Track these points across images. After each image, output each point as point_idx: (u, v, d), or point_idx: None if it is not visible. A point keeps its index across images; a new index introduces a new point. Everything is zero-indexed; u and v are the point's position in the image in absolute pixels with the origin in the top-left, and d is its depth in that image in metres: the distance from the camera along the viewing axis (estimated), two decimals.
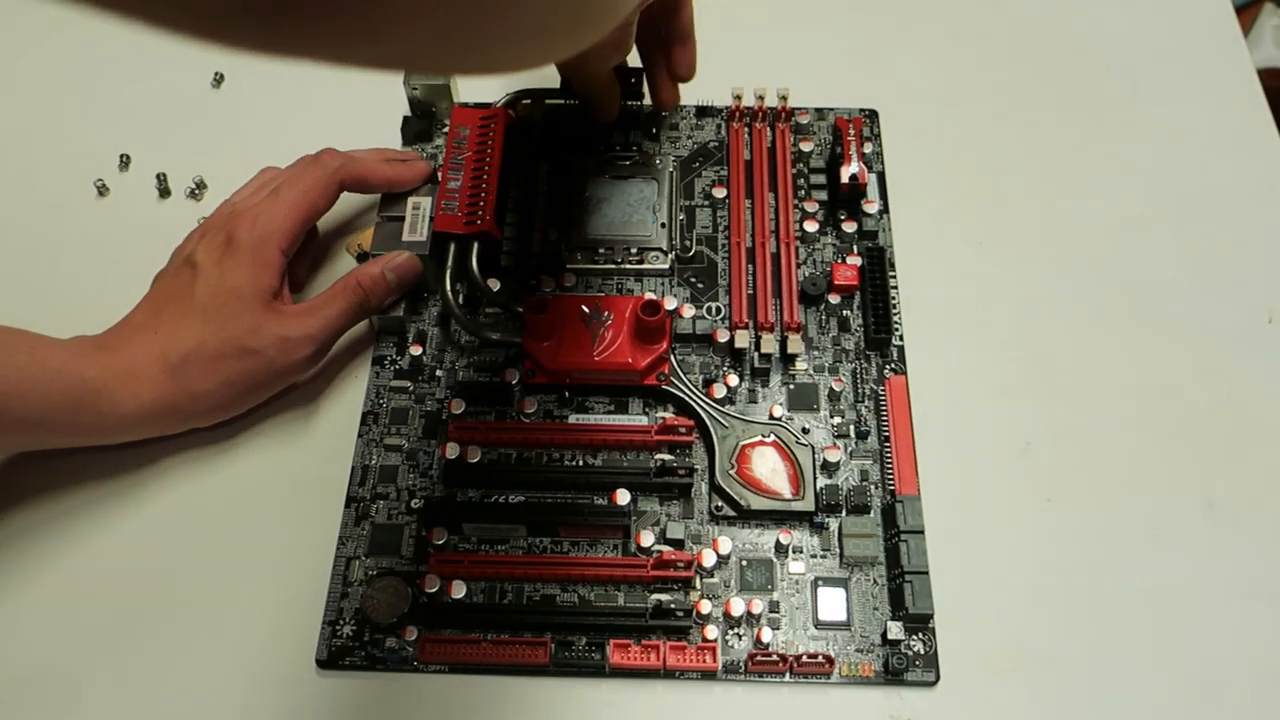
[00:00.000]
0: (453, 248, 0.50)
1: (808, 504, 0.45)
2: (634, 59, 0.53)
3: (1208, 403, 0.49)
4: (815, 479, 0.46)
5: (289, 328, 0.47)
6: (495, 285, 0.50)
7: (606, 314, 0.48)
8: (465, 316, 0.49)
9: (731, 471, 0.46)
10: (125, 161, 0.57)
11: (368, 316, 0.50)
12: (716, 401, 0.48)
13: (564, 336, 0.48)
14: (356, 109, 0.57)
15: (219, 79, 0.60)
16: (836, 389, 0.49)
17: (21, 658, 0.44)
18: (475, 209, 0.50)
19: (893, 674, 0.43)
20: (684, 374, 0.48)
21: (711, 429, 0.47)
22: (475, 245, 0.50)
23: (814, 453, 0.46)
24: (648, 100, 0.56)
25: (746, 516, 0.46)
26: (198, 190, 0.56)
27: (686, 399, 0.48)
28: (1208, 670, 0.43)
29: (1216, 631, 0.44)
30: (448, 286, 0.49)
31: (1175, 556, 0.46)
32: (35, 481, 0.48)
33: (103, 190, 0.56)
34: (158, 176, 0.56)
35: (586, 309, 0.48)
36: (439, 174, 0.51)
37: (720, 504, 0.46)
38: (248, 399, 0.48)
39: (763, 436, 0.47)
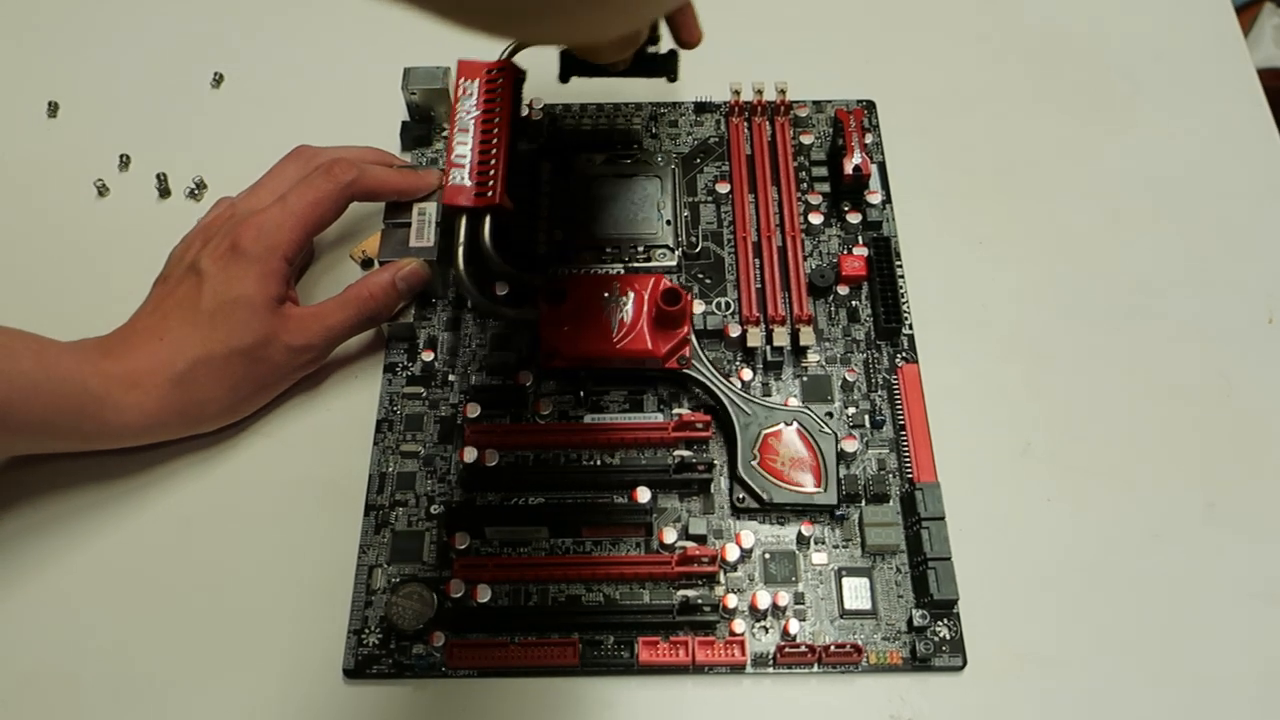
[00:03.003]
0: (464, 222, 0.47)
1: (829, 497, 0.46)
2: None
3: (1208, 403, 0.50)
4: (837, 470, 0.46)
5: (295, 335, 0.47)
6: (504, 289, 0.50)
7: (625, 297, 0.47)
8: (481, 296, 0.48)
9: (754, 463, 0.46)
10: (125, 161, 0.56)
11: (375, 326, 0.50)
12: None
13: (582, 322, 0.47)
14: (356, 111, 0.57)
15: (219, 79, 0.59)
16: (850, 379, 0.49)
17: (29, 668, 0.44)
18: (486, 179, 0.47)
19: (920, 660, 0.43)
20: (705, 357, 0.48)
21: (734, 415, 0.46)
22: (488, 219, 0.47)
23: (836, 442, 0.47)
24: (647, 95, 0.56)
25: (769, 510, 0.46)
26: (198, 190, 0.55)
27: (709, 383, 0.47)
28: (1208, 669, 0.44)
29: (1217, 631, 0.45)
30: (461, 265, 0.47)
31: (1182, 556, 0.46)
32: (45, 483, 0.47)
33: (103, 190, 0.56)
34: (158, 176, 0.56)
35: (606, 294, 0.47)
36: (446, 137, 0.48)
37: (743, 495, 0.46)
38: (253, 402, 0.48)
39: (785, 424, 0.46)
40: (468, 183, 0.47)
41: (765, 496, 0.45)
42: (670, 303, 0.46)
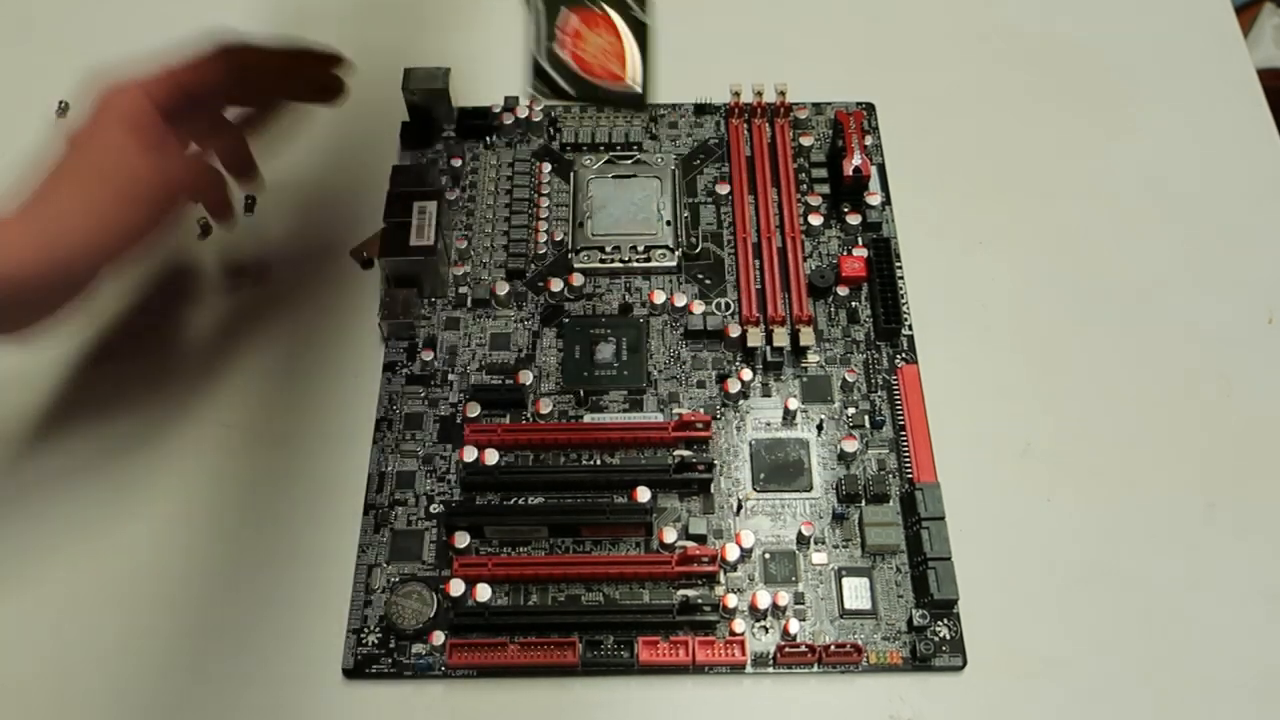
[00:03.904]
0: None
1: (634, 84, 0.40)
2: None
3: (1208, 403, 0.50)
4: (644, 61, 0.40)
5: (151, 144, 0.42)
6: (504, 289, 0.50)
7: None
8: None
9: (556, 47, 0.40)
10: None
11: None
12: (728, 396, 0.48)
13: None
14: (356, 112, 0.57)
15: None
16: (849, 380, 0.49)
17: (30, 668, 0.44)
18: None
19: (920, 660, 0.43)
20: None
21: None
22: None
23: (646, 30, 0.40)
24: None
25: (568, 100, 0.40)
26: None
27: None
28: (1208, 669, 0.44)
29: (1217, 631, 0.45)
30: None
31: (1182, 556, 0.46)
32: (45, 483, 0.47)
33: None
34: None
35: None
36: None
37: (540, 86, 0.39)
38: (119, 221, 0.41)
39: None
40: None
41: (568, 89, 0.40)
42: None
